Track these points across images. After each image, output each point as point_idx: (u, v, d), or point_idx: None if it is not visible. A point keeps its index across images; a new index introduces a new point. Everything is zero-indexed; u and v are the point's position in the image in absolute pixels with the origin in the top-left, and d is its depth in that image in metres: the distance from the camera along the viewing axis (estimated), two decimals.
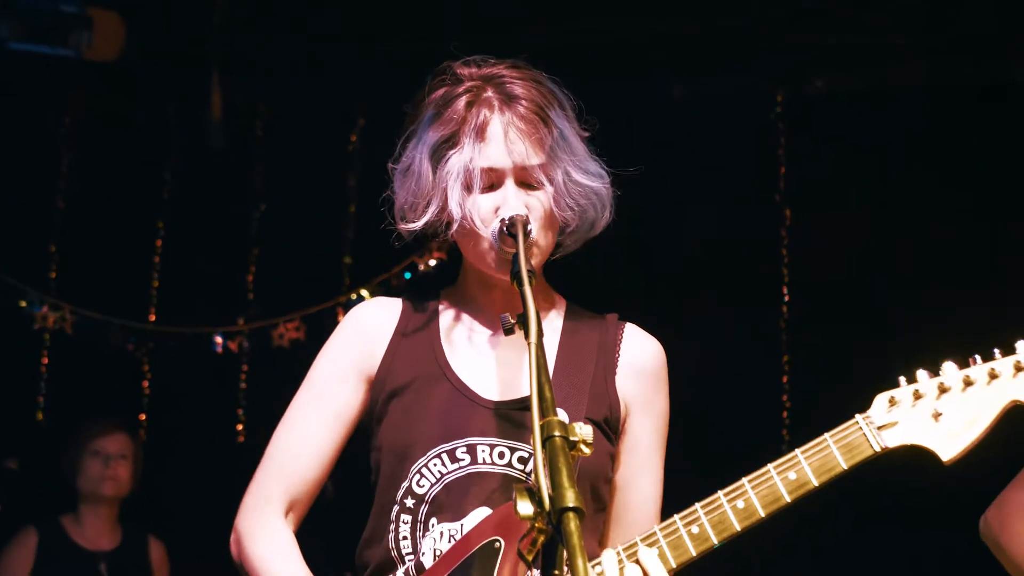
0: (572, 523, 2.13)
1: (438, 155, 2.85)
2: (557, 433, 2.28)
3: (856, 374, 6.12)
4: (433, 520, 2.79)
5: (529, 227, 2.75)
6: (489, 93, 2.86)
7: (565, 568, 2.23)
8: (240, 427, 6.97)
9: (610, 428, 2.89)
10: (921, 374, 2.67)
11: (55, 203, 7.07)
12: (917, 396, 2.64)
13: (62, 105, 7.08)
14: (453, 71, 2.92)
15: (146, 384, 7.07)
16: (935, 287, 6.25)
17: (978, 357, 2.66)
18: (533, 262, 2.80)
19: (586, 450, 2.30)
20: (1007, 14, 6.08)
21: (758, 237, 6.60)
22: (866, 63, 6.48)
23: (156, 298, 7.11)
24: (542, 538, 2.29)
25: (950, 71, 6.38)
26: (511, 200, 2.81)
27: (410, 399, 2.88)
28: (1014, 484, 3.96)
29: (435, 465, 2.81)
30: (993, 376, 2.62)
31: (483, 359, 2.92)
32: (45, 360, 6.98)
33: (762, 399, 6.47)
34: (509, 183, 2.83)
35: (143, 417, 7.04)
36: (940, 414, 2.63)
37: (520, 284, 2.61)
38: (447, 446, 2.81)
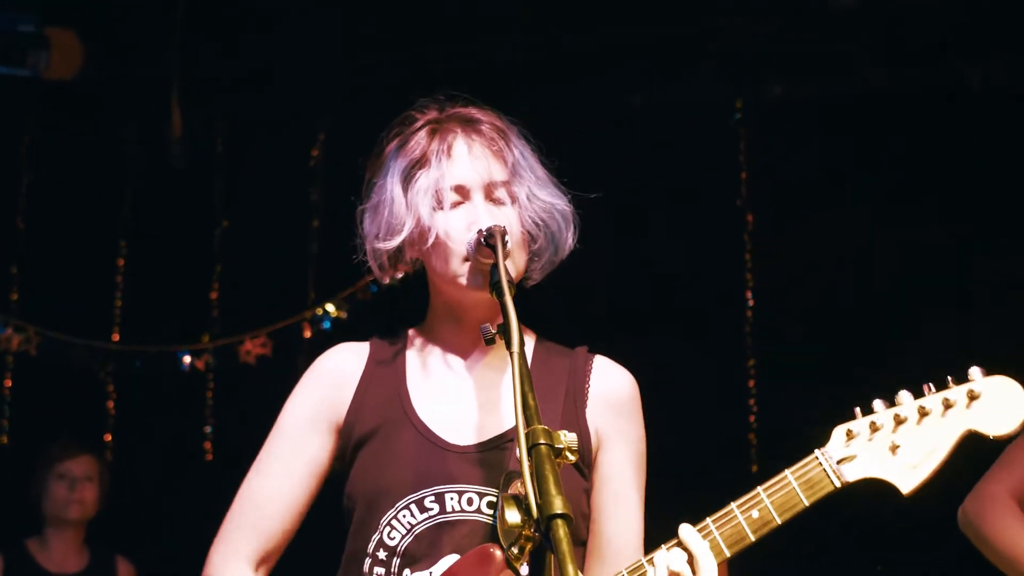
0: (561, 530, 2.13)
1: (408, 178, 2.88)
2: (542, 441, 2.29)
3: (823, 377, 6.19)
4: (406, 571, 2.76)
5: (507, 237, 2.76)
6: (449, 123, 2.93)
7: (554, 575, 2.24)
8: (208, 444, 6.94)
9: (583, 462, 2.86)
10: (877, 404, 2.67)
11: (15, 224, 7.03)
12: (874, 428, 2.65)
13: (20, 125, 7.04)
14: (410, 115, 2.99)
15: (112, 404, 7.03)
16: (900, 290, 6.29)
17: (932, 385, 2.67)
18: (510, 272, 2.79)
19: (571, 457, 2.31)
20: (960, 19, 6.15)
21: (721, 242, 6.62)
22: (823, 69, 6.53)
23: (120, 317, 7.07)
24: (530, 546, 2.29)
25: (906, 77, 6.44)
26: (483, 214, 2.83)
27: (377, 447, 2.86)
28: (988, 478, 4.08)
29: (404, 516, 2.78)
30: (948, 405, 2.63)
31: (450, 402, 2.90)
32: (9, 383, 6.93)
33: (728, 401, 6.50)
34: (478, 199, 2.86)
35: (109, 437, 7.00)
36: (898, 446, 2.64)
37: (500, 294, 2.62)
38: (414, 496, 2.78)
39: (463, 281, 2.84)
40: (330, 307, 6.77)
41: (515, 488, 2.33)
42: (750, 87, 6.63)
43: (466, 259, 2.82)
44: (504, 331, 2.54)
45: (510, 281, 2.66)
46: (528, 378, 2.44)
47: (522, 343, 2.49)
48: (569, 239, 2.94)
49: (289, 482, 2.89)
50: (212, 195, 7.11)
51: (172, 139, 6.67)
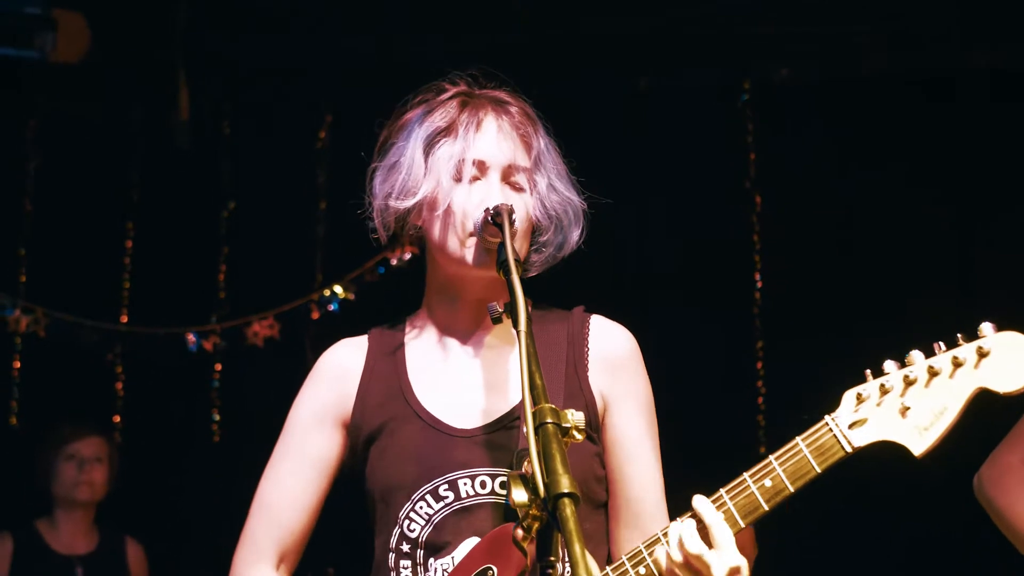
0: (568, 509, 2.13)
1: (431, 144, 2.88)
2: (549, 420, 2.29)
3: (831, 359, 6.17)
4: (431, 560, 2.78)
5: (514, 216, 2.76)
6: (480, 99, 2.93)
7: (562, 554, 2.24)
8: (215, 426, 6.96)
9: (591, 427, 2.85)
10: (889, 365, 2.64)
11: (23, 206, 7.04)
12: (883, 391, 2.62)
13: (27, 108, 7.03)
14: (441, 86, 2.98)
15: (120, 385, 7.04)
16: (907, 272, 6.29)
17: (942, 344, 2.62)
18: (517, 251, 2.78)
19: (579, 436, 2.31)
20: (967, 2, 6.13)
21: (729, 225, 6.62)
22: (830, 51, 6.51)
23: (128, 299, 7.08)
24: (537, 525, 2.29)
25: (913, 60, 6.43)
26: (496, 193, 2.83)
27: (385, 443, 2.88)
28: (1005, 445, 3.98)
29: (421, 508, 2.80)
30: (957, 364, 2.59)
31: (452, 386, 2.91)
32: (17, 364, 6.94)
33: (737, 383, 6.50)
34: (494, 177, 2.86)
35: (117, 419, 7.02)
36: (908, 408, 2.60)
37: (507, 273, 2.61)
38: (429, 486, 2.80)
39: (468, 258, 2.84)
40: (338, 288, 6.77)
41: (524, 467, 2.33)
42: (758, 69, 6.62)
43: (472, 235, 2.82)
44: (511, 310, 2.53)
45: (517, 260, 2.66)
46: (535, 357, 2.44)
47: (529, 321, 2.49)
48: (575, 237, 2.95)
49: (301, 482, 2.94)
50: (219, 177, 7.12)
51: (179, 121, 6.66)
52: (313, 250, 6.95)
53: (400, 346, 2.99)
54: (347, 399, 2.95)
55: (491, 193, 2.83)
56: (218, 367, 6.95)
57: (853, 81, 6.47)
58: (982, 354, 2.59)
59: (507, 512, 2.70)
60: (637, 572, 2.66)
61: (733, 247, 6.60)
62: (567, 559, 2.11)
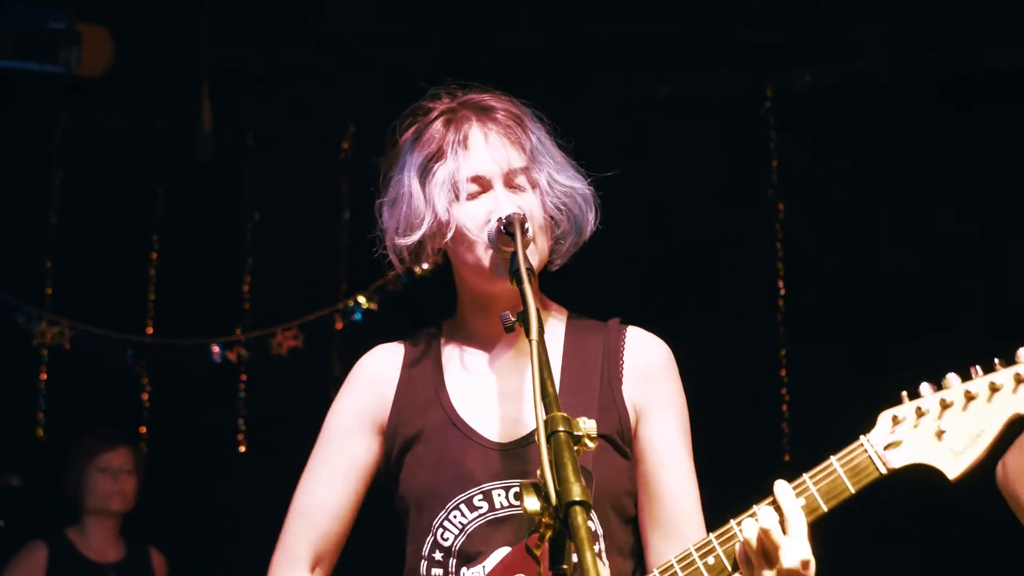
0: (579, 517, 2.14)
1: (425, 171, 2.89)
2: (561, 428, 2.29)
3: (856, 367, 6.16)
4: (463, 570, 2.80)
5: (527, 225, 2.77)
6: (464, 111, 2.93)
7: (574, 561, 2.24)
8: (240, 436, 6.97)
9: (623, 441, 2.88)
10: (925, 388, 2.63)
11: (49, 219, 7.07)
12: (920, 413, 2.61)
13: (52, 121, 7.07)
14: (424, 105, 2.99)
15: (145, 397, 7.07)
16: (933, 279, 6.26)
17: (979, 368, 2.62)
18: (532, 262, 2.80)
19: (590, 444, 2.31)
20: (991, 4, 6.10)
21: (752, 232, 6.60)
22: (854, 58, 6.49)
23: (153, 311, 7.11)
24: (549, 533, 2.30)
25: (936, 63, 6.40)
26: (504, 202, 2.84)
27: (421, 450, 2.90)
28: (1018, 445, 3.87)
29: (455, 517, 2.82)
30: (994, 389, 2.58)
31: (487, 397, 2.92)
32: (44, 376, 6.98)
33: (761, 391, 6.49)
34: (498, 187, 2.87)
35: (143, 430, 7.04)
36: (943, 431, 2.60)
37: (519, 282, 2.62)
38: (463, 496, 2.82)
39: (486, 270, 2.86)
40: (361, 299, 6.78)
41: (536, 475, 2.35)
42: (780, 76, 6.60)
43: (488, 248, 2.83)
44: (523, 319, 2.54)
45: (529, 269, 2.67)
46: (547, 365, 2.44)
47: (541, 331, 2.49)
48: (591, 221, 2.95)
49: (337, 486, 2.96)
50: (243, 188, 7.13)
51: (202, 133, 6.69)
52: (337, 260, 6.96)
53: (436, 353, 3.01)
54: (384, 404, 2.97)
55: (498, 203, 2.84)
56: (243, 377, 6.97)
57: (876, 87, 6.44)
58: (1020, 380, 2.58)
59: None
60: (706, 563, 2.66)
61: (756, 255, 6.58)
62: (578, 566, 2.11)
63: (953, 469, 2.59)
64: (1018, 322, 5.87)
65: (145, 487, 6.57)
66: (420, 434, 2.91)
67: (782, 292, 6.58)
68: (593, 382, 2.89)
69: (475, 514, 2.81)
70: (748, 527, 2.60)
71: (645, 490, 2.92)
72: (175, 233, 7.16)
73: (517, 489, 2.78)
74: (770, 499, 2.62)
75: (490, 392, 2.92)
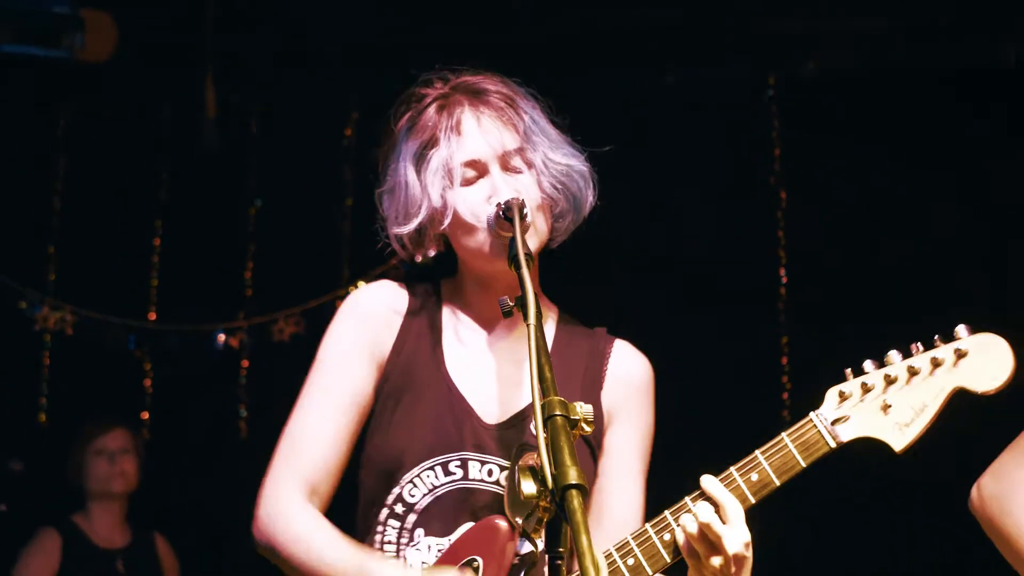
0: (575, 500, 2.14)
1: (420, 159, 2.91)
2: (558, 412, 2.30)
3: (857, 355, 6.16)
4: (419, 531, 2.81)
5: (525, 210, 2.78)
6: (456, 95, 2.94)
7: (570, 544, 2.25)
8: (242, 422, 6.98)
9: (596, 443, 2.93)
10: (868, 364, 2.75)
11: (52, 205, 7.08)
12: (865, 389, 2.72)
13: (56, 107, 7.08)
14: (417, 92, 3.00)
15: (148, 382, 7.08)
16: (934, 267, 6.27)
17: (920, 344, 2.73)
18: (531, 246, 2.81)
19: (587, 428, 2.33)
20: None
21: (754, 220, 6.61)
22: (858, 46, 6.49)
23: (156, 296, 7.13)
24: (546, 516, 2.31)
25: (938, 53, 6.40)
26: (501, 186, 2.86)
27: (410, 400, 2.89)
28: (1011, 457, 3.67)
29: (427, 476, 2.83)
30: (936, 364, 2.70)
31: (481, 370, 2.94)
32: (46, 361, 7.00)
33: (762, 382, 6.49)
34: (495, 171, 2.88)
35: (146, 415, 7.06)
36: (889, 405, 2.71)
37: (518, 267, 2.63)
38: (441, 458, 2.83)
39: (486, 253, 2.87)
40: (361, 284, 6.78)
41: (529, 460, 2.36)
42: (783, 64, 6.60)
43: (487, 233, 2.85)
44: (521, 303, 2.55)
45: (528, 254, 2.68)
46: (545, 350, 2.45)
47: (539, 315, 2.50)
48: (590, 197, 2.96)
49: (333, 413, 2.89)
50: (246, 175, 7.14)
51: (206, 121, 6.69)
52: (339, 247, 6.97)
53: (436, 313, 3.01)
54: (385, 342, 2.95)
55: (496, 187, 2.85)
56: (245, 364, 6.98)
57: (879, 76, 6.44)
58: (960, 355, 2.70)
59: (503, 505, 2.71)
60: (662, 539, 2.72)
61: (759, 242, 6.58)
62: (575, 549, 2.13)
63: (899, 441, 2.71)
64: (1020, 308, 5.89)
65: (147, 473, 6.58)
66: (413, 384, 2.89)
67: (784, 280, 6.58)
68: (576, 382, 2.93)
69: (448, 479, 2.82)
70: (688, 522, 2.66)
71: (594, 491, 2.95)
72: (178, 219, 7.17)
73: (492, 467, 2.82)
74: (698, 493, 2.70)
75: (485, 366, 2.95)
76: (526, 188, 2.86)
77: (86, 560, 6.34)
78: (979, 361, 2.69)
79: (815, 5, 6.33)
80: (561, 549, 2.29)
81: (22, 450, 6.77)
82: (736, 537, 2.63)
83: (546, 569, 2.33)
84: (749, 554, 2.65)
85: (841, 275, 6.40)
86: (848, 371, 2.76)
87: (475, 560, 2.68)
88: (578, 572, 2.04)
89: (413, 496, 2.82)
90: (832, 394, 2.75)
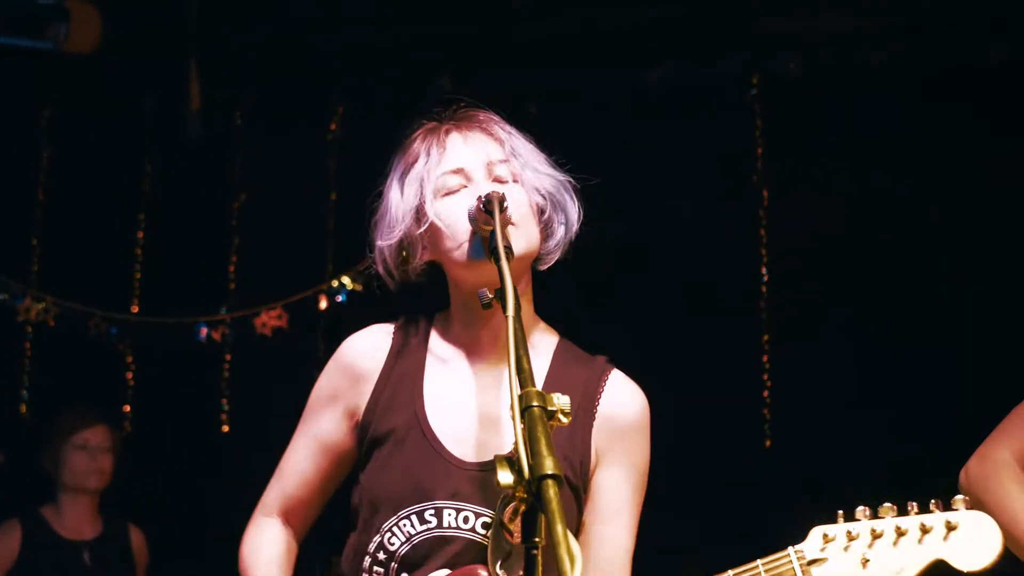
0: (551, 490, 2.15)
1: (404, 175, 2.94)
2: (535, 403, 2.31)
3: (838, 353, 6.19)
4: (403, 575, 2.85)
5: (505, 203, 2.77)
6: (443, 125, 2.99)
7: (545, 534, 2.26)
8: (224, 416, 6.98)
9: (579, 479, 2.89)
10: (859, 512, 2.71)
11: (35, 196, 7.07)
12: (851, 537, 2.69)
13: (40, 98, 7.07)
14: (408, 135, 3.05)
15: (130, 375, 7.08)
16: (915, 267, 6.30)
17: (915, 505, 2.70)
18: (519, 248, 2.80)
19: (564, 420, 2.33)
20: None
21: (736, 219, 6.63)
22: (841, 44, 6.51)
23: (138, 289, 7.12)
24: (523, 507, 2.32)
25: (921, 52, 6.42)
26: (483, 185, 2.87)
27: (387, 452, 2.92)
28: (995, 438, 3.89)
29: (404, 525, 2.86)
30: (924, 531, 2.66)
31: (460, 412, 2.93)
32: (28, 352, 6.98)
33: (742, 381, 6.51)
34: (479, 177, 2.90)
35: (127, 408, 7.05)
36: (868, 560, 2.68)
37: (497, 259, 2.64)
38: (416, 508, 2.85)
39: (467, 254, 2.85)
40: (346, 280, 6.79)
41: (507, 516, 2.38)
42: (766, 63, 6.62)
43: (468, 232, 2.84)
44: (500, 296, 2.55)
45: (508, 247, 2.68)
46: (523, 341, 2.46)
47: (518, 307, 2.51)
48: (574, 212, 2.97)
49: (309, 458, 3.06)
50: (230, 168, 7.14)
51: (191, 112, 6.69)
52: (324, 241, 6.97)
53: (422, 351, 3.01)
54: (362, 393, 2.99)
55: (479, 189, 2.86)
56: (227, 357, 6.98)
57: (862, 75, 6.46)
58: (950, 527, 2.66)
59: (482, 552, 2.76)
60: None
61: (740, 241, 6.60)
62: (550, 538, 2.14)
63: None
64: (1000, 312, 5.92)
65: (128, 466, 6.57)
66: (390, 435, 2.93)
67: (765, 278, 6.60)
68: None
69: (423, 527, 2.84)
70: None
71: (582, 534, 2.92)
72: (162, 211, 7.16)
73: (467, 513, 2.83)
74: None
75: (463, 408, 2.93)
76: (514, 195, 2.87)
77: (48, 551, 6.29)
78: (967, 538, 2.65)
79: (798, 4, 6.34)
80: (538, 539, 2.29)
81: (2, 441, 6.75)
82: None
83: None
84: None
85: (824, 273, 6.42)
86: (840, 513, 2.72)
87: None
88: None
89: (392, 545, 2.85)
90: (816, 533, 2.72)
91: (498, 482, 2.28)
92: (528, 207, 2.89)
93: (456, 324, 3.01)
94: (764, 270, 6.60)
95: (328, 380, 3.06)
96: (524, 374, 2.38)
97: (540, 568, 2.25)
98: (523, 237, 2.85)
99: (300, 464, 3.06)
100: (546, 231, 2.95)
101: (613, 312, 6.20)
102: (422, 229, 2.89)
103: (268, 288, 6.91)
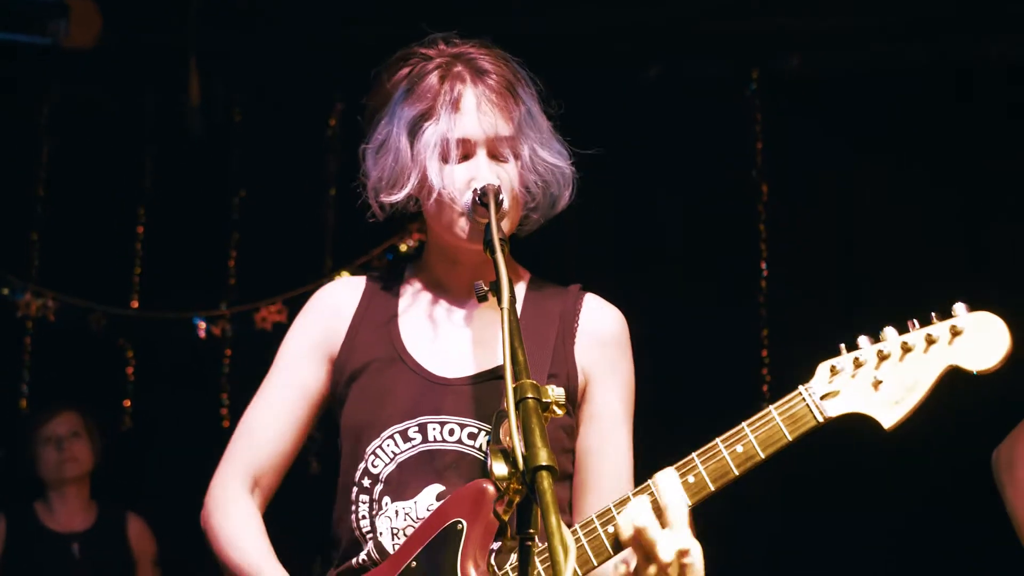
0: (545, 481, 2.16)
1: (414, 129, 2.90)
2: (530, 395, 2.32)
3: (836, 348, 6.19)
4: (386, 499, 2.85)
5: (501, 197, 2.80)
6: (460, 68, 2.93)
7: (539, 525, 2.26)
8: (224, 411, 6.98)
9: (568, 399, 2.88)
10: (862, 340, 2.68)
11: (36, 191, 7.08)
12: (857, 364, 2.65)
13: (41, 93, 7.07)
14: (420, 52, 2.99)
15: (130, 370, 7.08)
16: (914, 261, 6.30)
17: (916, 321, 2.67)
18: (504, 230, 2.82)
19: (559, 411, 2.35)
20: None
21: (736, 213, 6.63)
22: (839, 42, 6.51)
23: (138, 284, 7.12)
24: (517, 498, 2.33)
25: (919, 51, 6.42)
26: (483, 171, 2.87)
27: (366, 381, 2.94)
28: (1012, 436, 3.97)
29: (388, 446, 2.87)
30: (931, 341, 2.63)
31: (440, 337, 2.97)
32: (28, 347, 6.99)
33: (742, 376, 6.51)
34: (481, 154, 2.89)
35: (128, 403, 7.05)
36: (880, 382, 2.64)
37: (492, 252, 2.65)
38: (399, 427, 2.87)
39: (462, 236, 2.89)
40: (345, 274, 6.79)
41: (504, 434, 2.38)
42: (766, 59, 6.62)
43: (463, 215, 2.87)
44: (496, 288, 2.56)
45: (503, 239, 2.69)
46: (518, 333, 2.47)
47: (513, 300, 2.52)
48: (566, 197, 2.97)
49: (283, 407, 3.00)
50: (230, 163, 7.14)
51: (191, 108, 6.69)
52: (323, 236, 6.98)
53: (395, 292, 3.05)
54: (337, 335, 3.00)
55: (479, 171, 2.87)
56: (228, 352, 6.99)
57: (860, 71, 6.47)
58: (955, 332, 2.63)
59: (471, 462, 2.79)
60: (606, 531, 2.66)
61: (740, 236, 6.61)
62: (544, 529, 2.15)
63: (888, 418, 2.64)
64: (997, 297, 5.92)
65: (129, 461, 6.56)
66: (367, 366, 2.94)
67: (765, 273, 6.60)
68: (548, 342, 2.92)
69: (407, 445, 2.85)
70: (624, 523, 2.58)
71: (581, 457, 2.96)
72: (162, 207, 7.16)
73: (452, 426, 2.85)
74: (645, 486, 2.64)
75: (444, 332, 2.97)
76: (508, 178, 2.88)
77: (35, 543, 6.27)
78: (975, 339, 2.62)
79: (798, 2, 6.35)
80: (532, 531, 2.30)
81: (2, 436, 6.75)
82: (670, 544, 2.50)
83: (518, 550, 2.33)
84: (691, 562, 2.51)
85: (821, 269, 6.43)
86: (842, 346, 2.70)
87: (459, 523, 2.70)
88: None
89: (376, 467, 2.87)
90: (823, 368, 2.68)
91: (493, 474, 2.30)
92: (518, 189, 2.91)
93: (431, 263, 3.05)
94: (764, 264, 6.60)
95: (303, 328, 3.05)
96: (519, 366, 2.39)
97: (535, 559, 2.26)
98: (509, 222, 2.89)
99: (277, 417, 2.98)
100: (529, 209, 2.97)
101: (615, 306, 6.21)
102: (423, 192, 2.90)
103: (268, 283, 6.92)
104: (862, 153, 6.42)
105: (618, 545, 2.63)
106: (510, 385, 2.34)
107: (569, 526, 2.72)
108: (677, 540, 2.52)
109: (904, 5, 6.25)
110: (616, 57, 6.65)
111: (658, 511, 2.56)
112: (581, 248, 6.06)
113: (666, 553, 2.50)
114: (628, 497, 2.66)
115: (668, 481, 2.60)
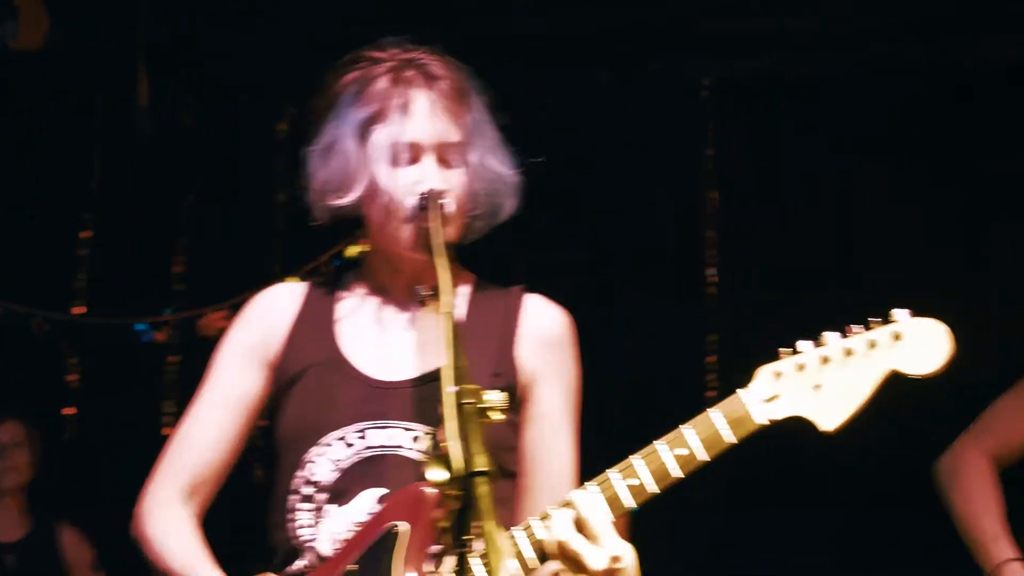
0: (482, 487, 2.16)
1: (364, 131, 2.87)
2: (469, 400, 2.31)
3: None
4: (327, 506, 2.81)
5: (446, 201, 2.80)
6: (411, 72, 2.90)
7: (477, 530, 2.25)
8: (169, 418, 6.91)
9: (511, 398, 2.81)
10: (803, 344, 2.69)
11: None
12: (799, 368, 2.67)
13: None
14: (370, 55, 2.97)
15: (73, 377, 7.00)
16: (867, 270, 6.33)
17: (861, 328, 2.69)
18: (448, 237, 2.80)
19: (498, 416, 2.34)
20: None
21: (685, 220, 6.63)
22: (792, 45, 6.53)
23: (82, 289, 7.05)
24: (455, 503, 2.30)
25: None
26: (429, 175, 2.85)
27: (304, 387, 2.90)
28: (968, 436, 4.04)
29: (327, 452, 2.82)
30: (872, 345, 2.65)
31: (382, 341, 2.94)
32: None
33: (689, 376, 6.51)
34: (428, 159, 2.87)
35: (70, 411, 6.97)
36: (820, 385, 2.66)
37: (434, 256, 2.65)
38: (339, 432, 2.83)
39: (404, 242, 2.86)
40: (293, 281, 6.75)
41: (442, 439, 2.36)
42: (717, 63, 6.62)
43: (407, 220, 2.84)
44: (437, 293, 2.56)
45: (447, 243, 2.69)
46: (459, 338, 2.45)
47: (453, 304, 2.52)
48: (509, 206, 2.96)
49: (220, 418, 2.93)
50: (178, 167, 7.08)
51: (139, 108, 6.64)
52: (270, 242, 6.94)
53: (337, 297, 3.01)
54: (276, 340, 2.96)
55: (424, 176, 2.84)
56: (170, 359, 6.92)
57: (813, 75, 6.49)
58: (896, 337, 2.65)
59: (413, 466, 2.74)
60: (533, 540, 2.64)
61: (689, 242, 6.61)
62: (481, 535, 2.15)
63: (828, 422, 2.65)
64: (997, 297, 5.96)
65: (69, 468, 6.49)
66: (306, 371, 2.90)
67: (715, 279, 6.61)
68: (490, 342, 2.90)
69: (349, 451, 2.81)
70: (547, 537, 2.58)
71: (525, 458, 2.94)
72: (107, 211, 7.10)
73: (393, 431, 2.81)
74: (564, 502, 2.63)
75: (384, 337, 2.94)
76: (455, 184, 2.87)
77: None
78: (916, 344, 2.64)
79: (751, 5, 6.35)
80: (469, 535, 2.26)
81: None
82: (600, 554, 2.53)
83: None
84: (623, 566, 2.55)
85: (772, 275, 6.45)
86: (782, 351, 2.71)
87: (396, 526, 2.67)
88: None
89: (315, 475, 2.82)
90: (765, 371, 2.69)
91: (431, 480, 2.28)
92: (463, 196, 2.89)
93: (375, 268, 3.01)
94: (714, 270, 6.61)
95: (240, 333, 3.00)
96: (460, 371, 2.37)
97: (470, 565, 2.25)
98: (454, 227, 2.87)
99: (214, 426, 2.92)
100: (473, 217, 2.96)
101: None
102: (373, 201, 2.87)
103: (213, 288, 6.86)
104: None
105: (544, 556, 2.62)
106: (448, 390, 2.33)
107: (513, 526, 2.71)
108: (609, 548, 2.54)
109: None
110: (566, 61, 6.64)
111: (580, 525, 2.57)
112: (531, 251, 6.06)
113: (597, 562, 2.52)
114: (547, 513, 2.64)
115: (584, 497, 2.60)
